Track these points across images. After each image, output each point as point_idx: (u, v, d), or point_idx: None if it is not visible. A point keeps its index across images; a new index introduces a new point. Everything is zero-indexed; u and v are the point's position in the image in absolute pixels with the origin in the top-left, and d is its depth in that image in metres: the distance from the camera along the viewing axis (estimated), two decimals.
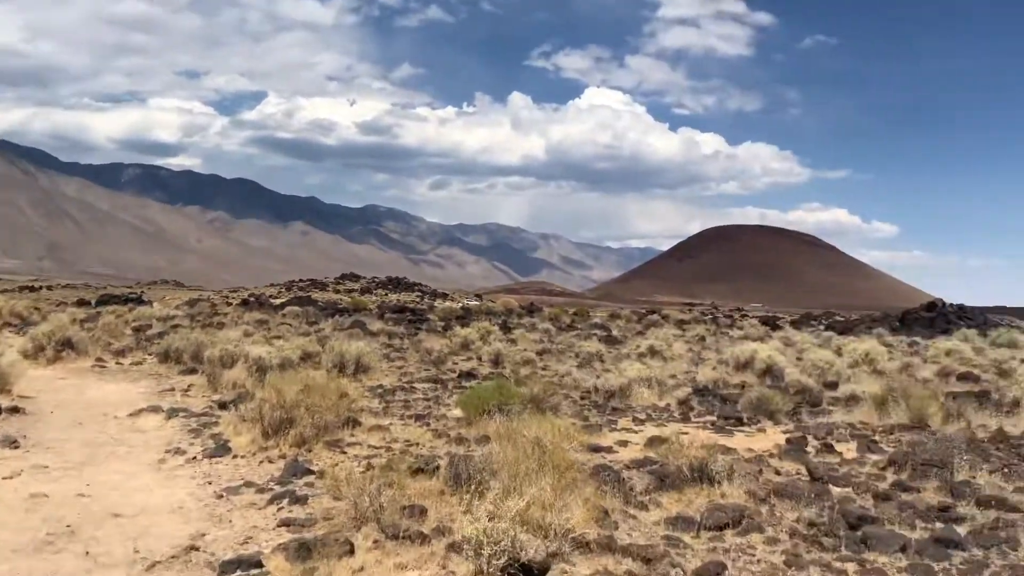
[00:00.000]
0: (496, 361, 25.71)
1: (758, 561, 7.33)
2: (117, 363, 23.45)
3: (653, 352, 30.76)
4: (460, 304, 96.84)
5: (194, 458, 11.57)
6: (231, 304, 53.07)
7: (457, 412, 15.76)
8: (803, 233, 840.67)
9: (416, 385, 20.32)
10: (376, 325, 38.80)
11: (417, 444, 12.41)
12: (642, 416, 16.40)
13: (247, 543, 7.82)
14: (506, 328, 41.35)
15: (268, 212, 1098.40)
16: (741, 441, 13.33)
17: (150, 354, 25.28)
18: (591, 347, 34.75)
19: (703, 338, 43.28)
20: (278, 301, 70.65)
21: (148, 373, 21.52)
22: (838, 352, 36.31)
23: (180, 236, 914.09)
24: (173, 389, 18.37)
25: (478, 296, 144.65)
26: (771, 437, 13.85)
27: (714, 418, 15.98)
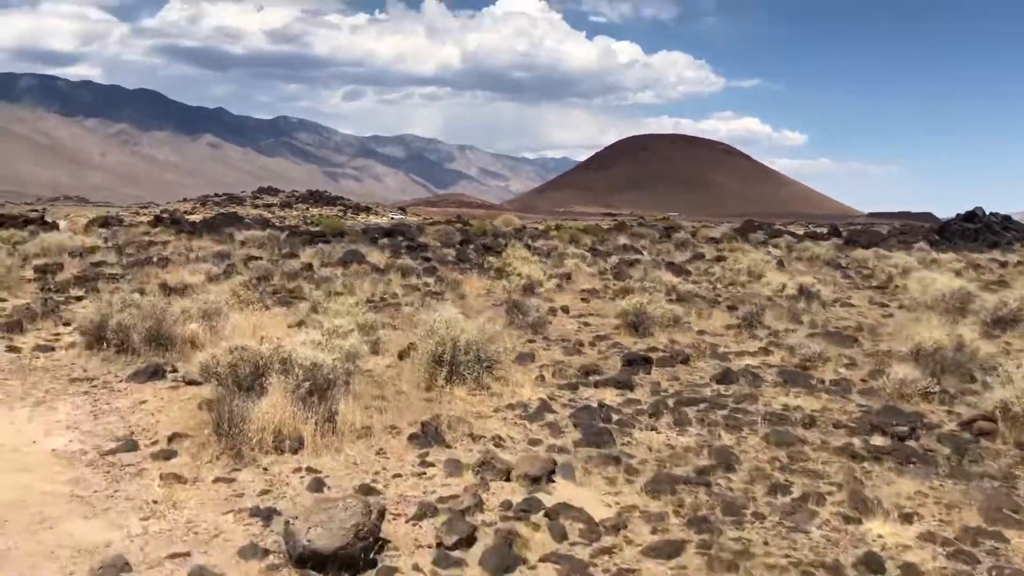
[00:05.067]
0: (636, 325, 16.12)
1: None
2: (9, 347, 12.87)
3: (807, 293, 21.60)
4: (387, 218, 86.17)
5: None
6: (155, 225, 41.73)
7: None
8: (717, 142, 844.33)
9: (588, 398, 10.70)
10: (375, 256, 28.57)
11: None
12: None
13: None
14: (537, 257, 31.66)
15: (174, 124, 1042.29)
16: None
17: (67, 325, 14.74)
18: (668, 279, 25.71)
19: (781, 262, 34.45)
20: (195, 217, 59.22)
21: (69, 376, 11.19)
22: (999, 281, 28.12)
23: (82, 150, 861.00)
24: (134, 442, 8.30)
25: (401, 209, 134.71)
26: None
27: None
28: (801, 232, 64.44)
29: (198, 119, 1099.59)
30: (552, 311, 18.71)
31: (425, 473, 7.55)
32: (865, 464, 8.02)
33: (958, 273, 30.72)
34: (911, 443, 8.75)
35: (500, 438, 8.74)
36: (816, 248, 40.60)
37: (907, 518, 6.60)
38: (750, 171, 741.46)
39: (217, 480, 7.28)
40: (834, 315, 20.02)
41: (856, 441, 8.85)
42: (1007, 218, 55.11)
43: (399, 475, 7.50)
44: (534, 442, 8.70)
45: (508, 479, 7.21)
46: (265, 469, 7.55)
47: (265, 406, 8.30)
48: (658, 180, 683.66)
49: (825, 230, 70.32)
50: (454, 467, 7.56)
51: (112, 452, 8.01)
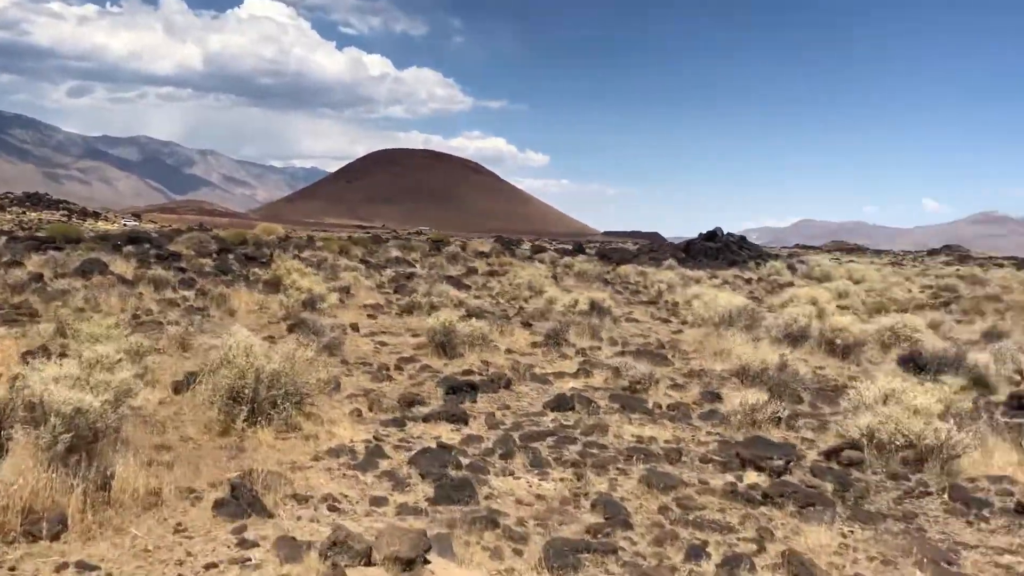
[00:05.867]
0: (443, 344, 14.63)
1: None
2: None
3: (598, 309, 21.13)
4: (119, 224, 78.86)
5: None
6: None
7: None
8: (466, 159, 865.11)
9: (421, 437, 9.12)
10: (120, 266, 24.86)
11: None
12: None
13: None
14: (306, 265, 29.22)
15: None
16: None
17: None
18: (453, 294, 24.58)
19: (555, 277, 34.39)
20: None
21: None
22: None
23: None
24: None
25: (135, 216, 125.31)
26: None
27: None
28: (552, 248, 65.97)
29: None
30: (342, 329, 16.79)
31: (250, 559, 5.59)
32: (763, 509, 7.08)
33: (718, 289, 32.15)
34: (790, 478, 7.98)
35: (333, 498, 6.92)
36: (584, 264, 41.31)
37: None
38: (497, 189, 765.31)
39: None
40: (626, 331, 19.73)
41: (734, 479, 7.96)
42: (743, 238, 59.54)
43: (213, 565, 5.49)
44: (377, 501, 6.97)
45: (370, 563, 5.46)
46: (12, 568, 5.26)
47: (7, 472, 5.95)
48: (409, 194, 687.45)
49: (571, 247, 72.50)
50: (290, 548, 5.67)
51: None
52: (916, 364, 14.23)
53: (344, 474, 7.68)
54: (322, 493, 7.03)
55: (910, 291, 37.66)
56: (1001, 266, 72.71)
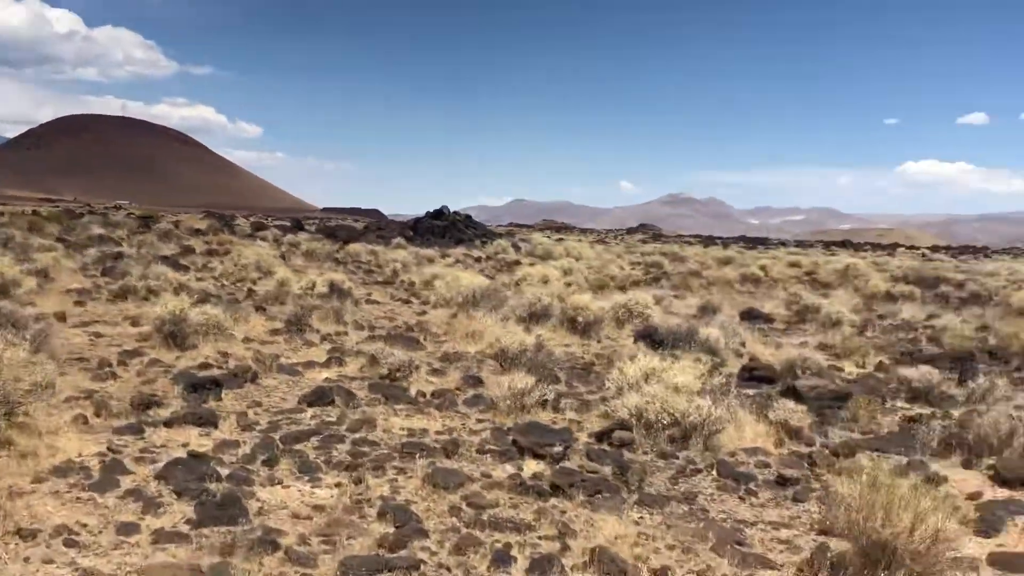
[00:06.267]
0: (173, 335, 13.06)
1: None
2: None
3: (338, 291, 20.19)
4: None
5: None
6: None
7: None
8: (170, 128, 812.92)
9: (167, 446, 8.03)
10: None
11: None
12: None
13: None
14: None
15: None
16: None
17: None
18: (172, 276, 22.60)
19: (284, 256, 32.76)
20: None
21: None
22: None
23: None
24: None
25: None
26: None
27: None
28: (272, 225, 63.17)
29: None
30: (46, 320, 14.57)
31: None
32: (554, 501, 6.88)
33: (451, 268, 32.31)
34: (569, 464, 7.90)
35: (69, 530, 5.75)
36: (312, 243, 39.81)
37: None
38: (206, 161, 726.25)
39: None
40: (370, 314, 19.11)
41: (515, 469, 7.73)
42: (469, 217, 60.65)
43: None
44: (126, 529, 5.89)
45: None
46: None
47: None
48: (105, 165, 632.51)
49: (289, 223, 69.83)
50: None
51: None
52: (652, 339, 14.96)
53: (78, 497, 6.47)
54: (53, 524, 5.82)
55: (623, 268, 40.31)
56: (691, 244, 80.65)
